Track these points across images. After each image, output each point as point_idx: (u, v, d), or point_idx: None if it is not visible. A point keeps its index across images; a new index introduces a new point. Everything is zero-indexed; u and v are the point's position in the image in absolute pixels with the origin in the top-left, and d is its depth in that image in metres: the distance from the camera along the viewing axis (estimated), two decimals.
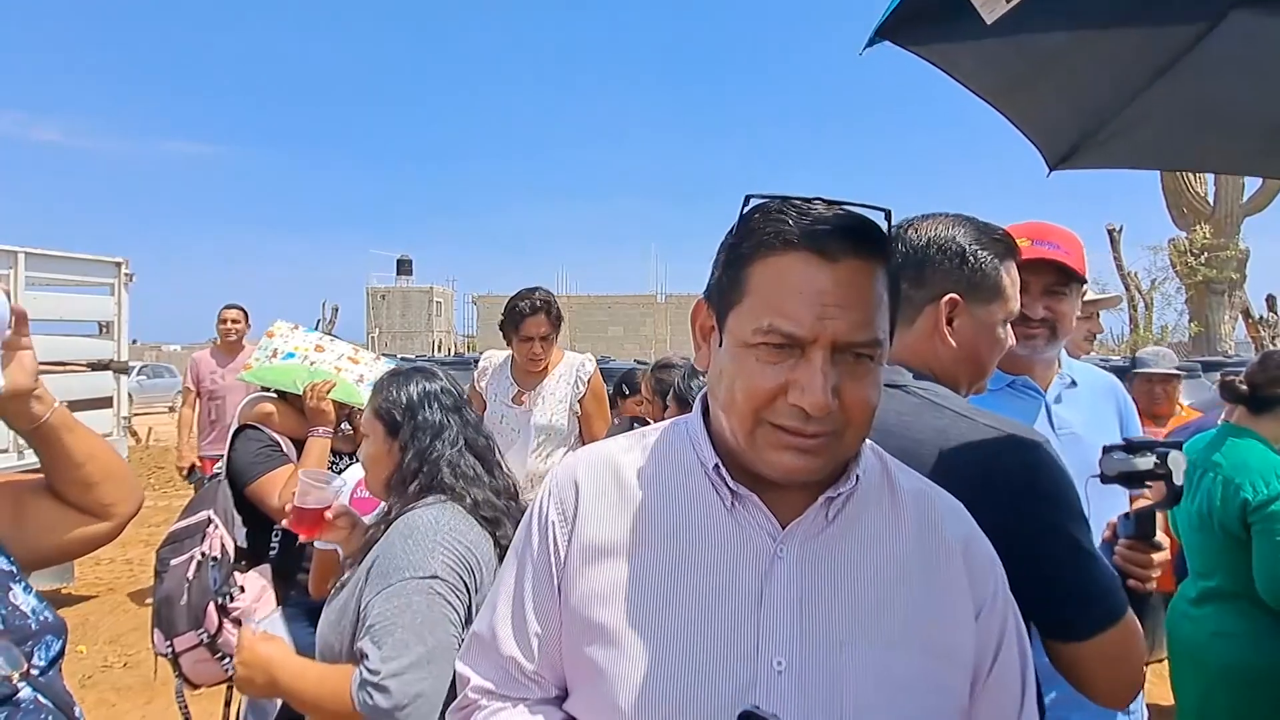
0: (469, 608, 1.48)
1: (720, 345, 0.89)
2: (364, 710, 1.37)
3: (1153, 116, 1.43)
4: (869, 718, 0.83)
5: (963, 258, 1.21)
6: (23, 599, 1.15)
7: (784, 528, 0.88)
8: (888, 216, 0.88)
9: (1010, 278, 1.25)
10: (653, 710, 0.83)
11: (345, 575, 1.62)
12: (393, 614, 1.42)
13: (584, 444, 3.26)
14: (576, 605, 0.90)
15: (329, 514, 1.92)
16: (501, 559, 1.50)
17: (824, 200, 0.86)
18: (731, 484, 0.89)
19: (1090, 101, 1.44)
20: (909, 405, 1.15)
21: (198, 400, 5.52)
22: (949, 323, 1.21)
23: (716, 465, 0.90)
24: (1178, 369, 3.76)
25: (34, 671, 1.11)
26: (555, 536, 0.94)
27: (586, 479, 0.95)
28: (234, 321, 5.55)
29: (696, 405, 0.98)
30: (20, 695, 1.07)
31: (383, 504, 1.74)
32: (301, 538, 2.01)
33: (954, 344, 1.21)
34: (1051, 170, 1.56)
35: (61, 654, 1.18)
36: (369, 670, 1.39)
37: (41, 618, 1.17)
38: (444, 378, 1.77)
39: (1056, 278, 1.67)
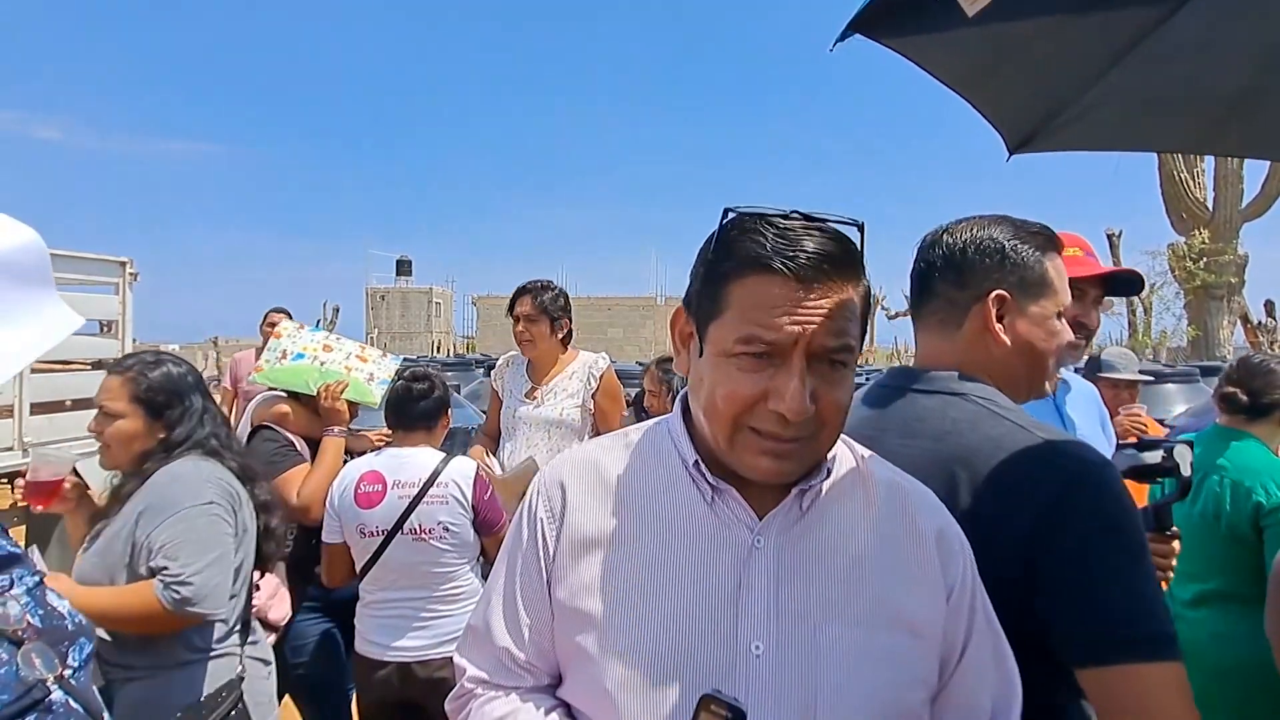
0: (237, 524, 1.94)
1: (700, 354, 0.94)
2: (172, 604, 1.77)
3: (1108, 100, 1.47)
4: (843, 693, 0.87)
5: (1003, 254, 1.19)
6: (56, 601, 1.18)
7: (761, 519, 0.93)
8: (860, 230, 0.91)
9: (1056, 270, 1.22)
10: (638, 694, 0.88)
11: (99, 527, 1.94)
12: (180, 534, 1.83)
13: None
14: (565, 597, 0.95)
15: (65, 485, 2.13)
16: (257, 510, 2.02)
17: (800, 214, 0.89)
18: (711, 479, 0.94)
19: (1051, 87, 1.48)
20: (966, 413, 1.13)
21: (235, 400, 5.61)
22: (999, 320, 1.18)
23: (696, 462, 0.95)
24: (1148, 374, 3.74)
25: (67, 673, 1.12)
26: (544, 533, 0.98)
27: (573, 478, 1.00)
28: (269, 325, 5.61)
29: (677, 404, 1.03)
30: (52, 698, 1.07)
31: (119, 473, 2.00)
32: (37, 508, 2.15)
33: (1007, 341, 1.18)
34: (1011, 154, 1.60)
35: (91, 656, 1.19)
36: (171, 576, 1.78)
37: (76, 619, 1.18)
38: (189, 365, 2.10)
39: (1103, 289, 1.75)
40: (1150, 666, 0.95)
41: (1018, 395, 1.21)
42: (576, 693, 0.95)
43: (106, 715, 1.17)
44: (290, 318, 5.63)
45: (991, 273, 1.19)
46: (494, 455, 3.22)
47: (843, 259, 0.88)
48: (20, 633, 1.07)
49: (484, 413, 4.74)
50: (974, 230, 1.22)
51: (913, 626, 0.92)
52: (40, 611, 1.13)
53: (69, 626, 1.16)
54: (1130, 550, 1.00)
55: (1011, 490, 1.03)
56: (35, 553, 1.88)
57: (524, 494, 1.05)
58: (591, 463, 1.01)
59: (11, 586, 1.12)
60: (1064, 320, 1.23)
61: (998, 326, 1.18)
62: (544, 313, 3.18)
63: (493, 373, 3.40)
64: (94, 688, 1.18)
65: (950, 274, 1.21)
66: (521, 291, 3.23)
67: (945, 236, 1.24)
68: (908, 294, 1.32)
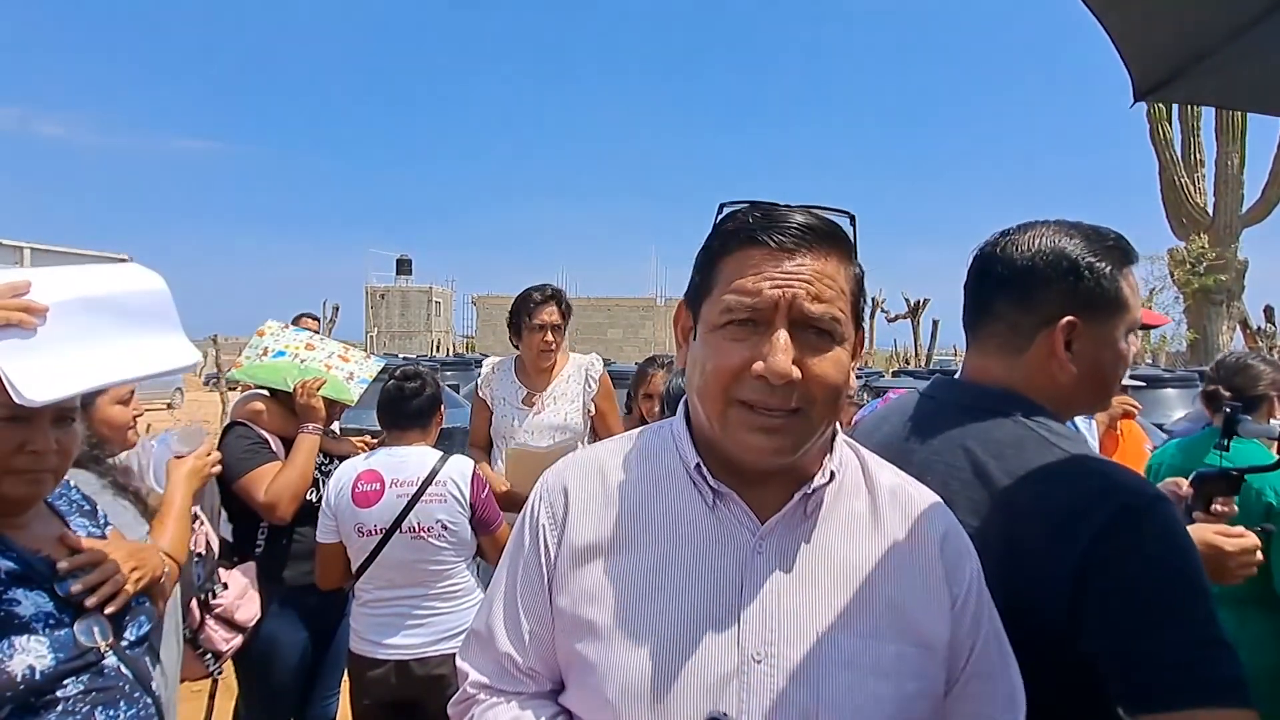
0: None
1: (695, 339, 0.95)
2: None
3: (1258, 54, 1.33)
4: (845, 705, 0.86)
5: (1076, 273, 1.08)
6: None
7: (763, 523, 0.92)
8: (852, 220, 0.94)
9: (1130, 287, 1.11)
10: (638, 702, 0.87)
11: None
12: None
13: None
14: (566, 604, 0.94)
15: None
16: None
17: (791, 206, 0.92)
18: (712, 482, 0.93)
19: (1198, 28, 1.34)
20: (1013, 435, 1.07)
21: None
22: (1067, 347, 1.09)
23: (698, 465, 0.94)
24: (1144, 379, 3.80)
25: (123, 644, 1.30)
26: (545, 538, 0.98)
27: (575, 483, 0.99)
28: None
29: (680, 407, 1.02)
30: (105, 662, 1.25)
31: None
32: None
33: (1074, 370, 1.09)
34: (1137, 100, 1.48)
35: (150, 634, 1.37)
36: None
37: (140, 599, 1.37)
38: None
39: None
40: (1215, 712, 0.88)
41: (1072, 414, 1.15)
42: (578, 700, 0.94)
43: (155, 684, 1.35)
44: (320, 325, 5.57)
45: (1062, 296, 1.08)
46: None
47: (826, 233, 0.90)
48: (84, 603, 1.26)
49: None
50: (1040, 241, 1.10)
51: (919, 637, 0.90)
52: None
53: (132, 604, 1.35)
54: (1187, 588, 0.92)
55: (1058, 522, 0.96)
56: None
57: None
58: (595, 467, 1.01)
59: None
60: (1131, 336, 1.13)
61: (1065, 355, 1.09)
62: (566, 319, 3.16)
63: (479, 381, 3.28)
64: (147, 660, 1.36)
65: (1013, 293, 1.11)
66: (546, 299, 3.13)
67: (1008, 247, 1.12)
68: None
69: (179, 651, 2.00)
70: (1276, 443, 1.53)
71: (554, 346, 3.13)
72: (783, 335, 0.86)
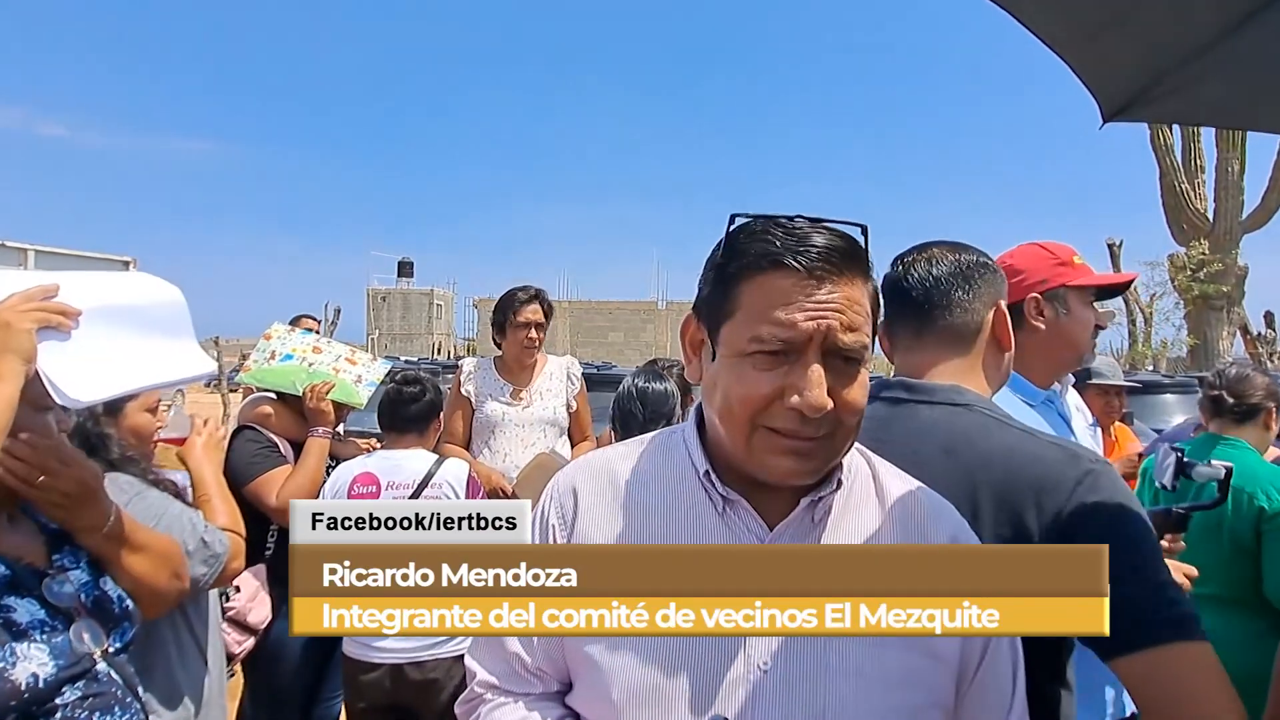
0: None
1: (713, 358, 0.93)
2: None
3: (1216, 73, 1.40)
4: (852, 715, 0.86)
5: (991, 269, 1.30)
6: (111, 587, 1.37)
7: (771, 530, 0.92)
8: (864, 231, 0.91)
9: None
10: (642, 706, 0.88)
11: None
12: None
13: (573, 436, 3.33)
14: None
15: None
16: None
17: (805, 218, 0.89)
18: (721, 489, 0.93)
19: (1157, 54, 1.41)
20: (975, 423, 1.17)
21: None
22: (1003, 327, 1.28)
23: (707, 472, 0.94)
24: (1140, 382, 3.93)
25: (110, 650, 1.30)
26: (555, 538, 0.98)
27: (585, 485, 1.00)
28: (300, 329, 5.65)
29: (691, 413, 1.02)
30: (98, 669, 1.26)
31: None
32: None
33: (1011, 348, 1.30)
34: (1105, 122, 1.55)
35: (133, 640, 1.37)
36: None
37: (124, 605, 1.37)
38: None
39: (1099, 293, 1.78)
40: (1183, 646, 0.98)
41: (998, 389, 1.30)
42: (584, 701, 0.95)
43: (140, 689, 1.34)
44: (321, 327, 5.60)
45: (991, 287, 1.28)
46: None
47: (852, 255, 0.88)
48: (73, 610, 1.26)
49: None
50: (959, 254, 1.29)
51: (927, 647, 0.89)
52: (95, 594, 1.32)
53: (116, 610, 1.35)
54: (1143, 541, 1.05)
55: (1033, 491, 1.07)
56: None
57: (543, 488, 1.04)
58: (606, 470, 1.01)
59: (69, 568, 1.32)
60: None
61: (1007, 334, 1.28)
62: (548, 319, 3.32)
63: (460, 378, 3.34)
64: (132, 668, 1.35)
65: (964, 286, 1.27)
66: (530, 298, 3.29)
67: (937, 257, 1.29)
68: None
69: (220, 638, 2.01)
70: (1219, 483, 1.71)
71: (537, 343, 3.28)
72: (817, 369, 0.85)
